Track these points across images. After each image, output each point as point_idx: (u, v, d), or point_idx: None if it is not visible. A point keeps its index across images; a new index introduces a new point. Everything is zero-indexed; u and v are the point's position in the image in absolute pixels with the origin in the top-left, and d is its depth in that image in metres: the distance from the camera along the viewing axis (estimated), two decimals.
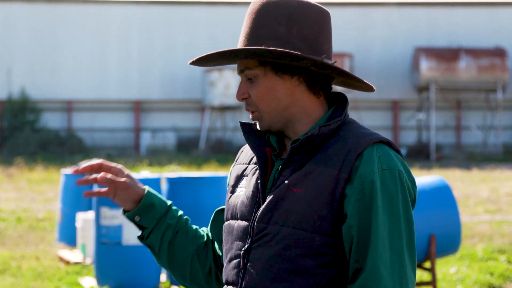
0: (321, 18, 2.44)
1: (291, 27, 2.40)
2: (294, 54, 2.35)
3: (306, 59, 2.36)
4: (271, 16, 2.41)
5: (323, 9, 2.45)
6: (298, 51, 2.39)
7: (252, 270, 2.39)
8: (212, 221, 2.68)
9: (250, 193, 2.46)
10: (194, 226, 2.70)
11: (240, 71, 2.45)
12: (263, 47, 2.37)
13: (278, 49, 2.36)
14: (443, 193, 7.77)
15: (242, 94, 2.44)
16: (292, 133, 2.46)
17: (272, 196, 2.39)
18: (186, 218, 2.68)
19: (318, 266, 2.33)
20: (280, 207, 2.37)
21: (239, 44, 2.45)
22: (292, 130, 2.45)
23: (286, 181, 2.38)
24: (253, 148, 2.49)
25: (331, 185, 2.34)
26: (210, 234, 2.70)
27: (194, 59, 2.51)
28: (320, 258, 2.33)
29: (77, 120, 30.39)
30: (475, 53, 29.09)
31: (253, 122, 2.53)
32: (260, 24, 2.42)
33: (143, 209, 2.57)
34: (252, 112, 2.46)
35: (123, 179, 2.50)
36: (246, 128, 2.51)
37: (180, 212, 2.66)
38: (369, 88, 2.51)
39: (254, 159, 2.54)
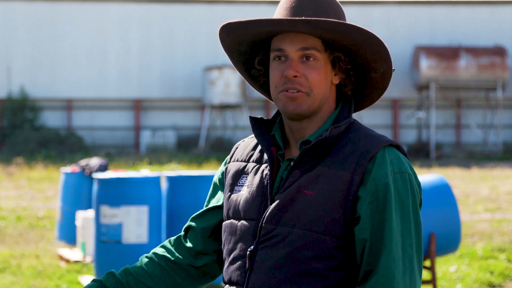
0: (344, 14, 2.51)
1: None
2: (387, 50, 2.37)
3: (390, 60, 2.38)
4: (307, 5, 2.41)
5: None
6: None
7: (259, 271, 2.34)
8: (188, 229, 2.61)
9: (255, 192, 2.41)
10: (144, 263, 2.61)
11: (303, 48, 2.38)
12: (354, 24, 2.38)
13: (372, 32, 2.36)
14: (443, 192, 7.75)
15: (297, 72, 2.37)
16: (306, 124, 2.41)
17: (282, 197, 2.35)
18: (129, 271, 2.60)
19: (328, 269, 2.30)
20: (290, 208, 2.33)
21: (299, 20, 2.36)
22: (308, 122, 2.41)
23: (296, 183, 2.34)
24: (263, 146, 2.44)
25: (344, 187, 2.31)
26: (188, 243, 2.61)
27: (240, 20, 2.48)
28: (330, 260, 2.30)
29: (77, 118, 30.37)
30: (475, 51, 29.06)
31: (259, 116, 2.51)
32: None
33: None
34: (298, 91, 2.37)
35: None
36: (256, 124, 2.47)
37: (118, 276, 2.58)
38: (372, 102, 2.52)
39: (254, 157, 2.49)
